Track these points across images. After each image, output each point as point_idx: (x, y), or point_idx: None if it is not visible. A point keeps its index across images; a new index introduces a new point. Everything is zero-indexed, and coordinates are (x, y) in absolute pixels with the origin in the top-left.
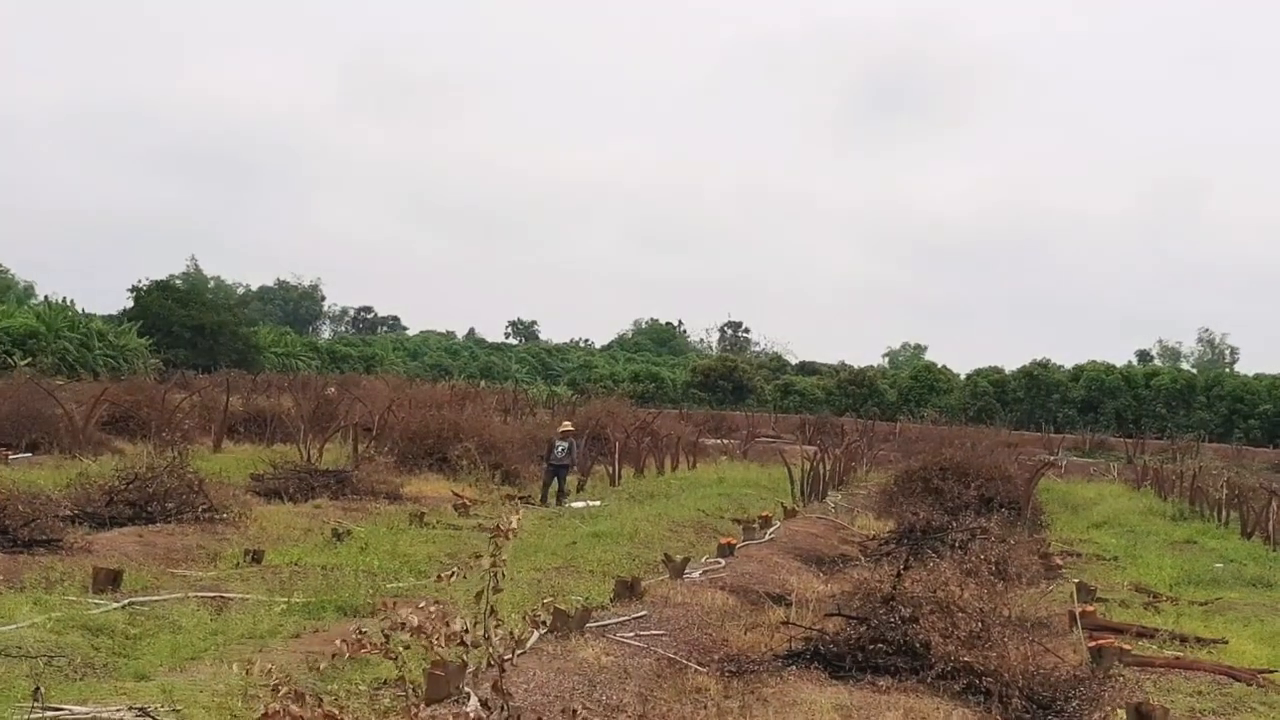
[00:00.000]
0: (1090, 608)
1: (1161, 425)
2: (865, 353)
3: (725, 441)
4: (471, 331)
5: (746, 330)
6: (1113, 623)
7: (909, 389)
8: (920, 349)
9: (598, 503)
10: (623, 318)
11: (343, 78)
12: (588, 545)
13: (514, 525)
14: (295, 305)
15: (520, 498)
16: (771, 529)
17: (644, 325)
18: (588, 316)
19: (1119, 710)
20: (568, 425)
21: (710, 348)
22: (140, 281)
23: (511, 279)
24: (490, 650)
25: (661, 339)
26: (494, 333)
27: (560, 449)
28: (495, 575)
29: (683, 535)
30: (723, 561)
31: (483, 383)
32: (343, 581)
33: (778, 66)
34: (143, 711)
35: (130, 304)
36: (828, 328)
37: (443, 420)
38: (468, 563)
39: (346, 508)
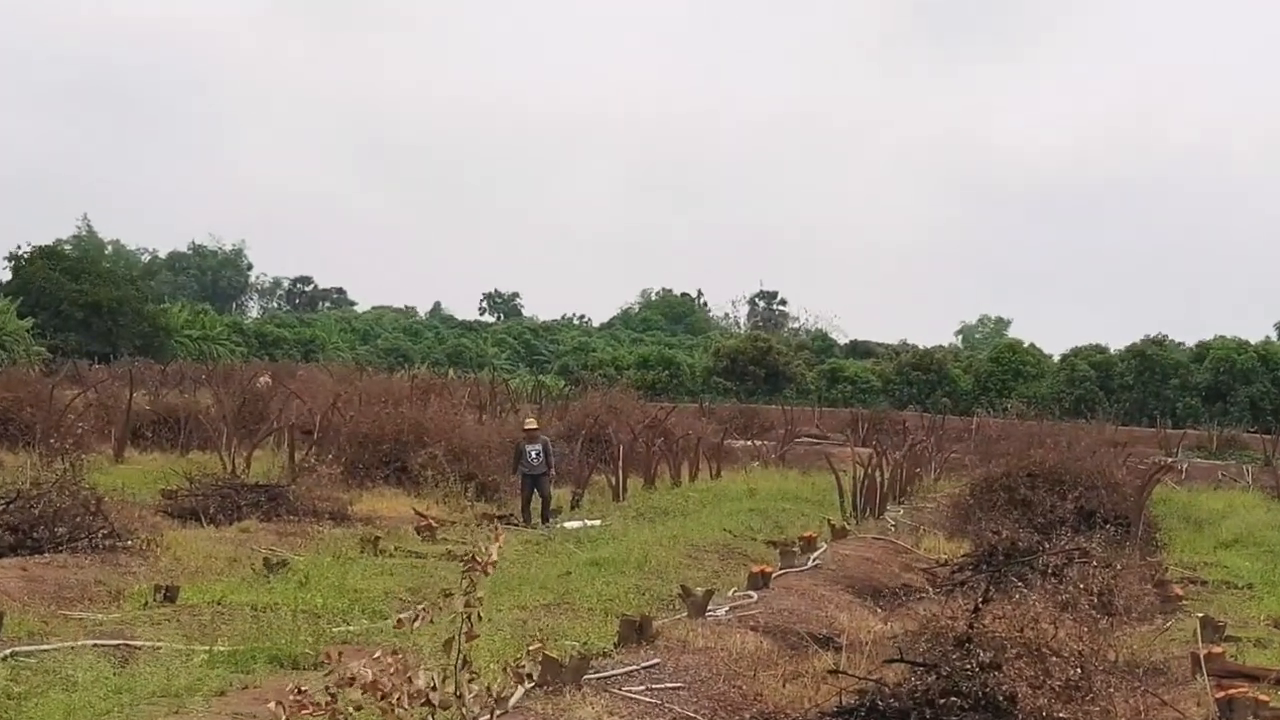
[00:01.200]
0: (1218, 649)
1: None
2: (933, 330)
3: (757, 443)
4: (437, 307)
5: (783, 302)
6: (1246, 668)
7: (988, 374)
8: (1002, 324)
9: (597, 522)
10: (627, 288)
11: None
12: (585, 576)
13: (493, 553)
14: (215, 276)
15: (500, 517)
16: (816, 553)
17: (654, 297)
18: (582, 287)
19: None
20: (532, 423)
21: (737, 325)
22: (20, 248)
23: (486, 242)
24: (464, 711)
25: (676, 314)
26: (465, 308)
27: (533, 453)
28: (470, 616)
29: (704, 562)
30: (755, 595)
31: (451, 372)
32: (278, 625)
33: None
34: None
35: (8, 276)
36: (885, 298)
37: (401, 420)
38: (435, 601)
39: (282, 531)
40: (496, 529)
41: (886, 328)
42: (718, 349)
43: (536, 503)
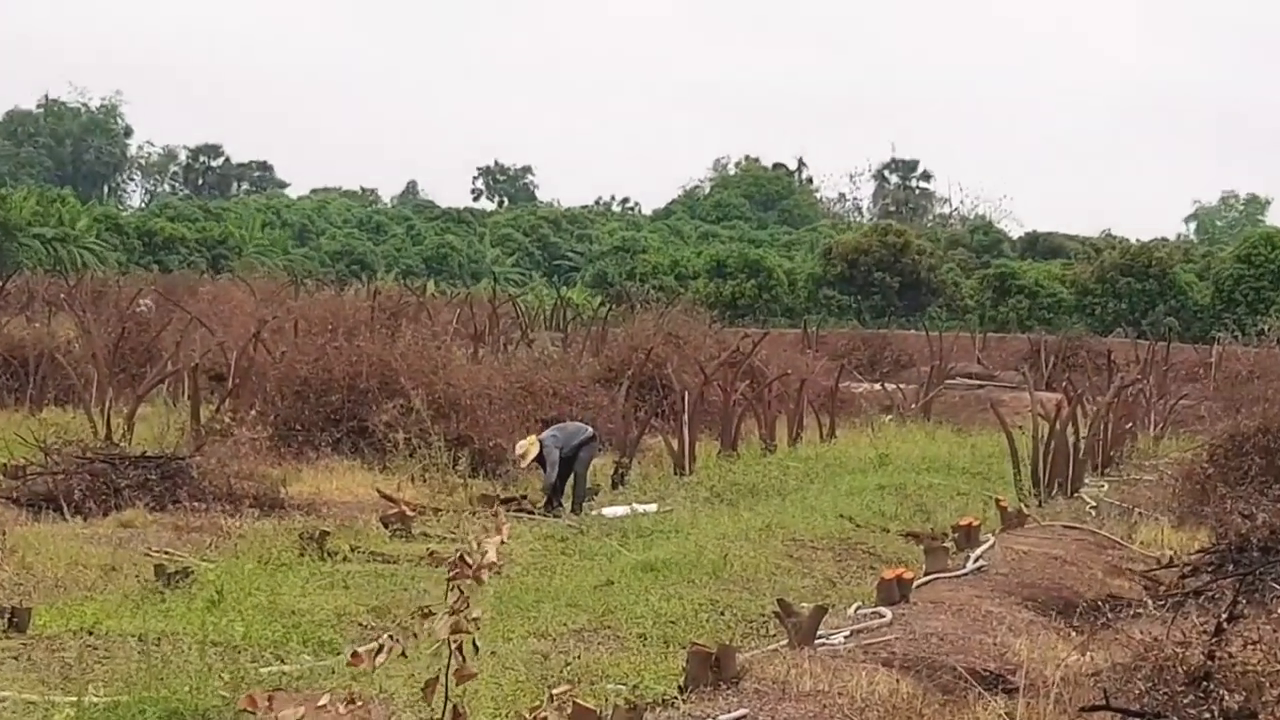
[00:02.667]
0: None
1: None
2: (1152, 216)
3: (889, 387)
4: (410, 190)
5: (925, 177)
6: None
7: (1235, 281)
8: (1257, 205)
9: (652, 507)
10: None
11: None
12: (636, 588)
13: (491, 550)
14: (77, 147)
15: (508, 500)
16: (979, 550)
17: (732, 171)
18: (626, 158)
19: None
20: (523, 451)
21: (858, 211)
22: None
23: (482, 92)
24: None
25: (766, 196)
26: (452, 191)
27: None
28: (461, 646)
29: (812, 565)
30: (888, 613)
31: (433, 285)
32: (177, 664)
33: None
34: None
35: None
36: (1080, 171)
37: (359, 359)
38: (409, 626)
39: (182, 526)
40: (501, 515)
41: (1081, 214)
42: (829, 248)
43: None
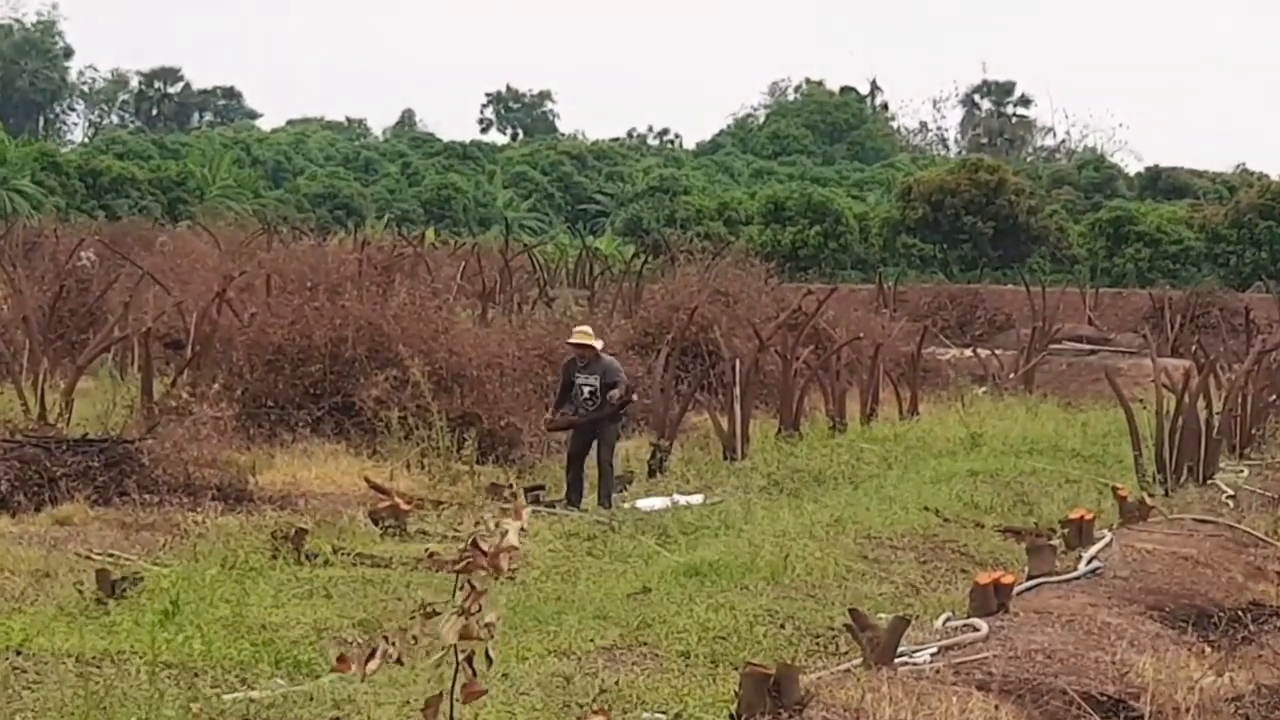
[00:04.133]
0: None
1: None
2: None
3: (982, 353)
4: (406, 121)
5: (1024, 102)
6: None
7: None
8: None
9: (698, 498)
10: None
11: None
12: (678, 595)
13: (513, 536)
14: (7, 70)
15: (527, 491)
16: (1093, 549)
17: (791, 96)
18: (662, 81)
19: None
20: (585, 333)
21: (942, 143)
22: None
23: (489, 2)
24: None
25: (833, 126)
26: (456, 122)
27: (586, 388)
28: (471, 659)
29: (891, 568)
30: (984, 626)
31: (433, 234)
32: (125, 690)
33: None
34: None
35: None
36: (1207, 96)
37: (344, 322)
38: (403, 641)
39: (130, 523)
40: (516, 507)
41: (1212, 146)
42: (908, 187)
43: (592, 468)
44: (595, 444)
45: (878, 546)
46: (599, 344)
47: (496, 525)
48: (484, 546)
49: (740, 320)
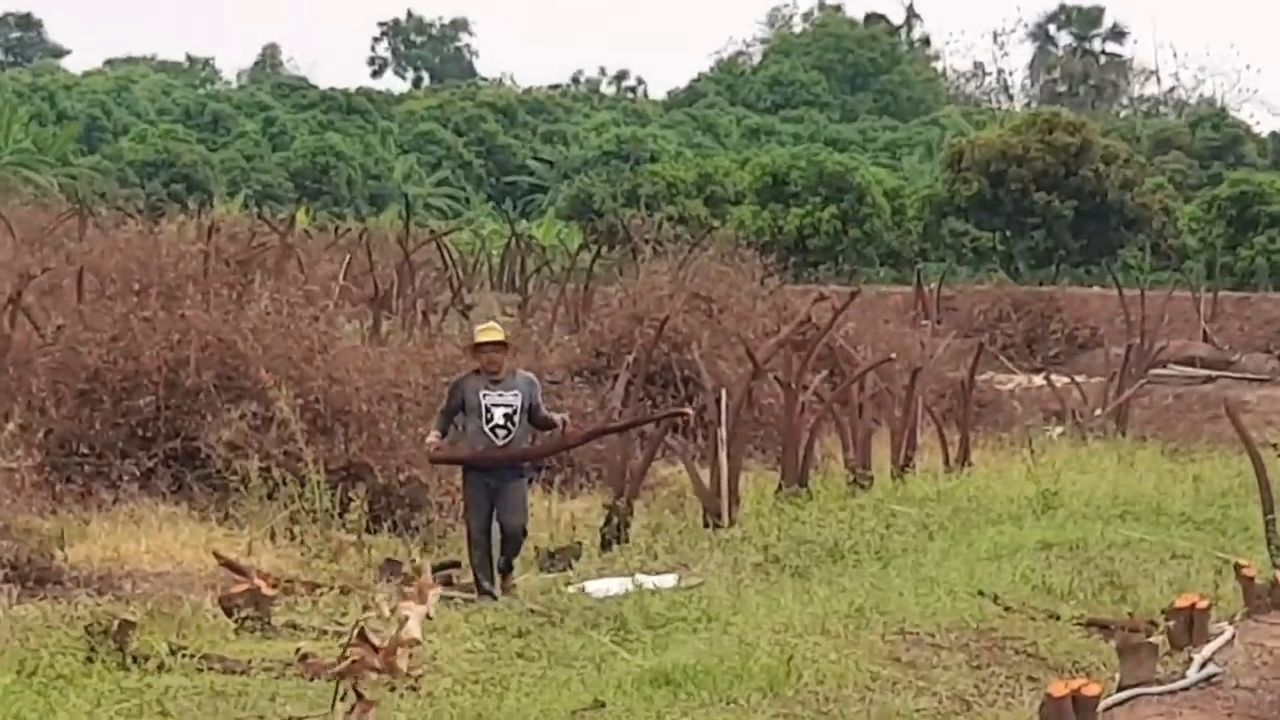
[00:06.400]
0: None
1: None
2: None
3: (1058, 381)
4: (268, 61)
5: (1115, 35)
6: None
7: None
8: None
9: (669, 579)
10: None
11: None
12: (639, 712)
13: (415, 626)
14: None
15: (436, 570)
16: (1209, 647)
17: (798, 28)
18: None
19: None
20: (493, 332)
21: (1005, 90)
22: None
23: None
24: None
25: (854, 68)
26: (338, 64)
27: (499, 411)
28: None
29: (932, 674)
30: None
31: (305, 217)
32: None
33: None
34: None
35: None
36: None
37: (185, 339)
38: None
39: None
40: (422, 583)
41: None
42: (958, 152)
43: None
44: (499, 503)
45: (915, 645)
46: (505, 339)
47: (392, 611)
48: (374, 640)
49: (728, 336)
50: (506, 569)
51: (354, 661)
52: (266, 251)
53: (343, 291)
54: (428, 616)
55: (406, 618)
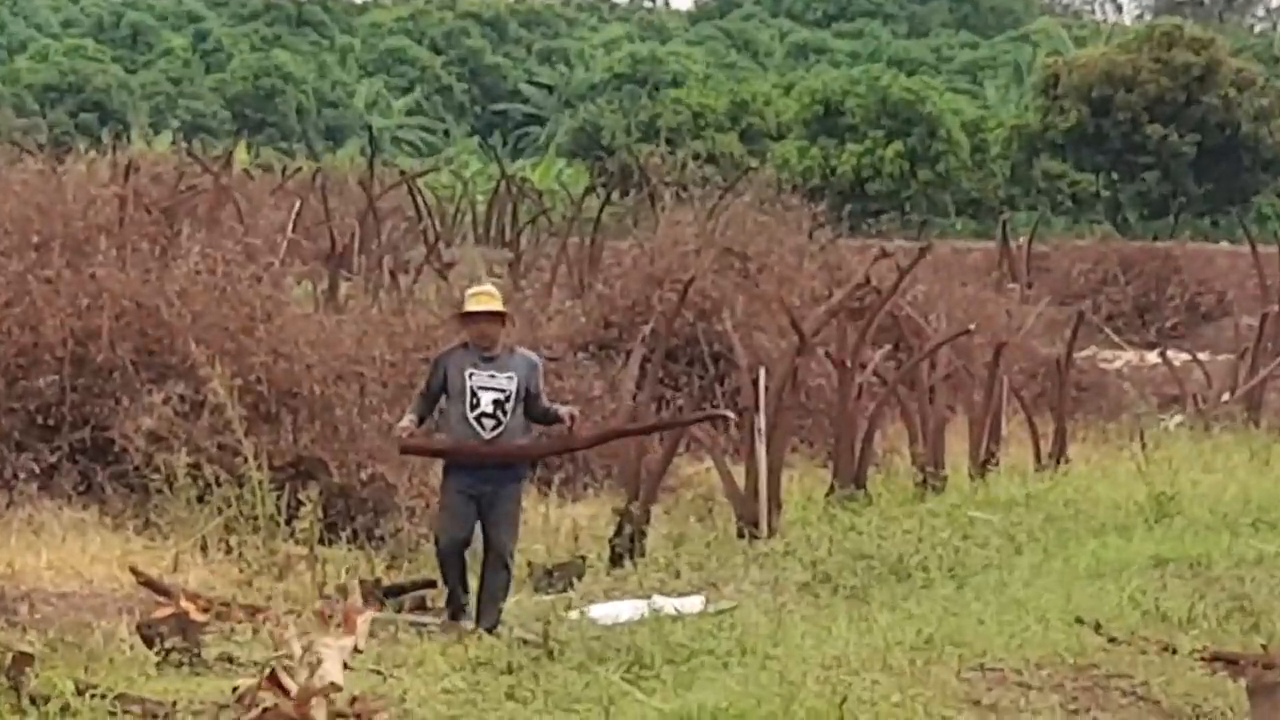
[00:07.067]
0: None
1: None
2: None
3: (1177, 358)
4: None
5: None
6: None
7: None
8: None
9: (695, 601)
10: None
11: None
12: None
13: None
14: None
15: (394, 591)
16: None
17: None
18: None
19: None
20: (490, 293)
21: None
22: None
23: None
24: None
25: None
26: None
27: (488, 397)
28: None
29: (1018, 719)
30: None
31: (246, 154)
32: None
33: None
34: None
35: None
36: None
37: (94, 305)
38: None
39: None
40: (350, 607)
41: None
42: (1053, 76)
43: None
44: (485, 514)
45: (998, 684)
46: (502, 307)
47: (305, 649)
48: (286, 682)
49: (768, 302)
50: (489, 613)
51: (265, 710)
52: (197, 197)
53: (292, 246)
54: (356, 650)
55: (319, 658)
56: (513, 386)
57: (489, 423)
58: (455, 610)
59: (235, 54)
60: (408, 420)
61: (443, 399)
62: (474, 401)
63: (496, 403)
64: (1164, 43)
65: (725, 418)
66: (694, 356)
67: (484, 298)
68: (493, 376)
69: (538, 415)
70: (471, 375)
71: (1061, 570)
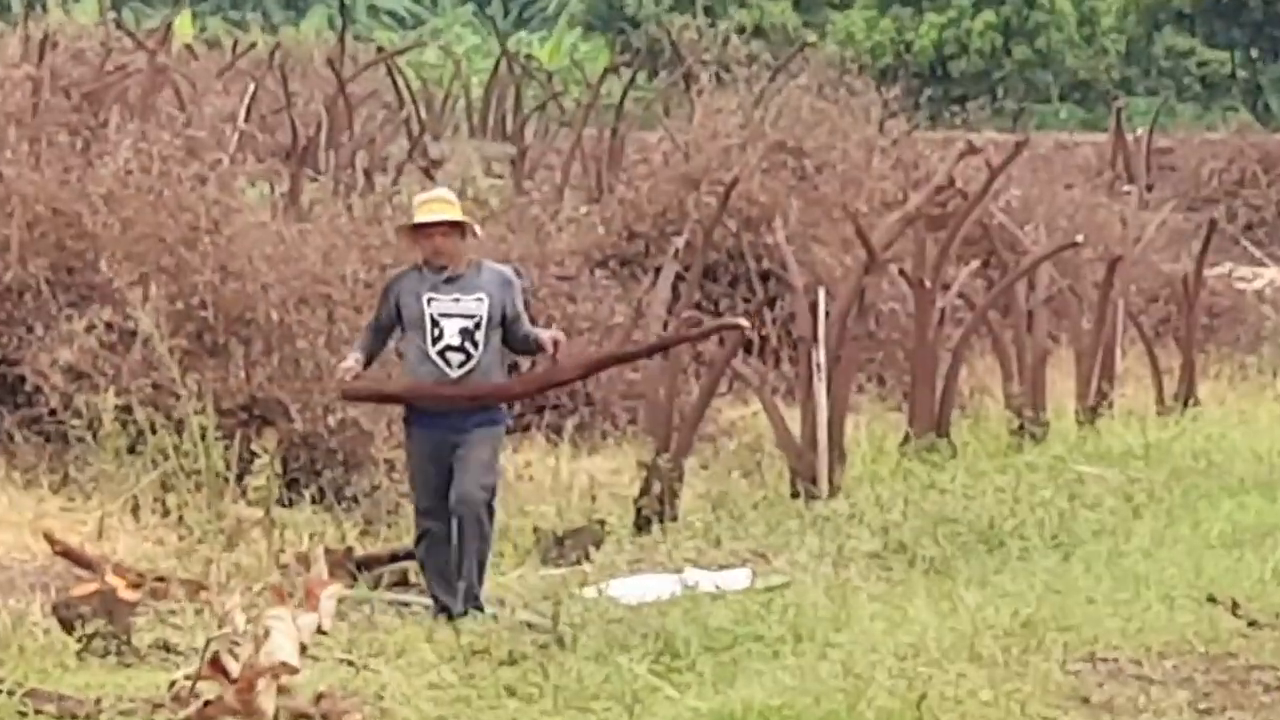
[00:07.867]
0: None
1: None
2: None
3: None
4: None
5: None
6: None
7: None
8: None
9: (741, 575)
10: None
11: None
12: None
13: (287, 646)
14: None
15: (368, 561)
16: None
17: None
18: None
19: None
20: (445, 199)
21: None
22: None
23: None
24: None
25: None
26: None
27: (454, 316)
28: None
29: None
30: None
31: (188, 24)
32: None
33: None
34: None
35: None
36: None
37: (1, 211)
38: None
39: None
40: (310, 582)
41: None
42: None
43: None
44: (457, 465)
45: (1112, 677)
46: (477, 230)
47: (249, 622)
48: (229, 665)
49: (829, 208)
50: (466, 592)
51: (207, 704)
52: (128, 79)
53: (244, 140)
54: (320, 631)
55: (267, 629)
56: (483, 310)
57: (456, 357)
58: (437, 603)
59: None
60: (352, 360)
61: (398, 333)
62: (436, 333)
63: (464, 332)
64: None
65: (740, 326)
66: (738, 275)
67: (436, 205)
68: (457, 300)
69: (518, 344)
70: (431, 301)
71: (1190, 538)
